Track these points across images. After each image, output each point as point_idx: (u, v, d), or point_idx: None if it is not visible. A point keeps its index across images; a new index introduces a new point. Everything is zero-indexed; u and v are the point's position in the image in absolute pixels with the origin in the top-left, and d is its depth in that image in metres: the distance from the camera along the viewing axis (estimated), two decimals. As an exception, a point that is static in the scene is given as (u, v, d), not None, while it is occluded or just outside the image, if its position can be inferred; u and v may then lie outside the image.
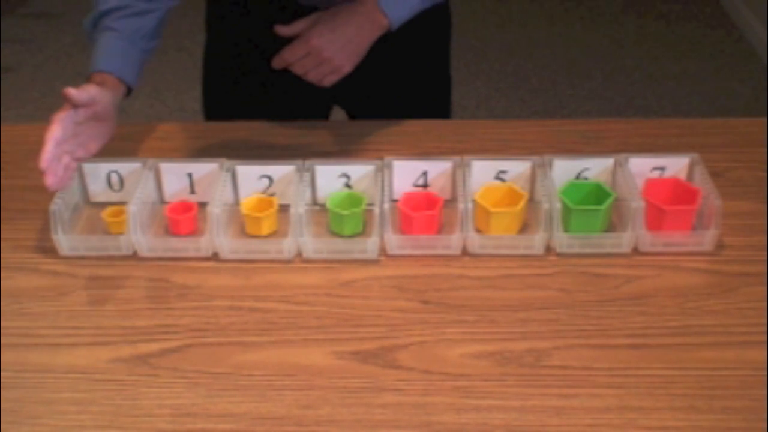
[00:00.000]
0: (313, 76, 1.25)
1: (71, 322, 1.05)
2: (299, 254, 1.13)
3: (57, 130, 1.09)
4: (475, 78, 3.28)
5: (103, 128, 1.16)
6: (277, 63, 1.26)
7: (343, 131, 1.39)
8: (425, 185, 1.21)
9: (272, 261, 1.12)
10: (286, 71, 1.27)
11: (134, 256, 1.14)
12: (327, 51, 1.22)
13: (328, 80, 1.26)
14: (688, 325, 1.02)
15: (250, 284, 1.09)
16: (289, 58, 1.24)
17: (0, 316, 1.05)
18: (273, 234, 1.16)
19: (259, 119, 1.41)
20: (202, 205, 1.17)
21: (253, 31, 1.39)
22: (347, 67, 1.25)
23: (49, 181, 1.09)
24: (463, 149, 1.29)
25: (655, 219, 1.12)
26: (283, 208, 1.16)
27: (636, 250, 1.12)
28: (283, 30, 1.27)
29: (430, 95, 1.52)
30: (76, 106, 1.11)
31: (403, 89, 1.47)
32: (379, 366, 0.97)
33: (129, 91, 1.22)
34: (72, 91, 1.10)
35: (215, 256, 1.13)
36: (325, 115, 1.55)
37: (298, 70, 1.25)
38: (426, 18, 1.32)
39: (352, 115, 1.54)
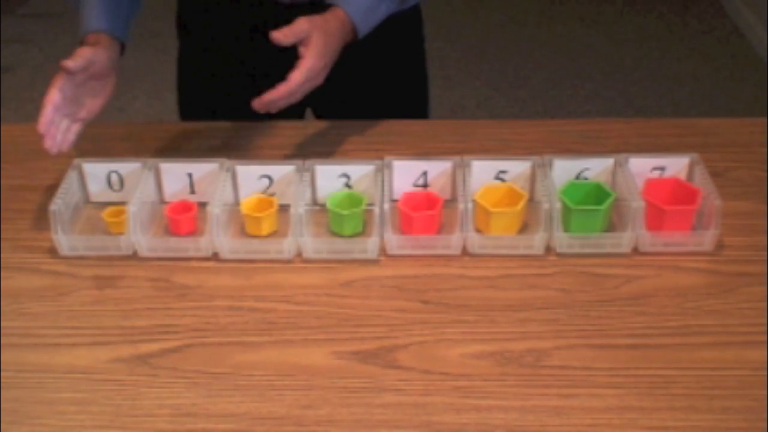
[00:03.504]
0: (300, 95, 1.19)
1: (71, 322, 1.05)
2: (299, 254, 1.13)
3: (55, 94, 1.12)
4: (475, 78, 3.28)
5: (103, 87, 1.19)
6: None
7: (343, 131, 1.39)
8: (425, 185, 1.21)
9: (272, 261, 1.12)
10: (261, 73, 1.25)
11: (134, 256, 1.14)
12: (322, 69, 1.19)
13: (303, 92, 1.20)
14: (688, 325, 1.02)
15: (250, 284, 1.09)
16: (296, 90, 1.18)
17: (0, 316, 1.05)
18: (273, 234, 1.16)
19: (233, 121, 1.40)
20: (202, 205, 1.17)
21: (227, 32, 1.38)
22: (321, 78, 1.21)
23: (48, 144, 1.13)
24: (463, 149, 1.29)
25: (655, 219, 1.12)
26: (283, 208, 1.16)
27: (636, 250, 1.12)
28: (279, 37, 1.17)
29: (405, 96, 1.51)
30: (74, 74, 1.13)
31: (376, 91, 1.45)
32: (379, 366, 0.97)
33: (122, 48, 1.24)
34: (68, 63, 1.12)
35: (215, 256, 1.13)
36: (298, 119, 1.53)
37: (299, 97, 1.20)
38: (396, 18, 1.31)
39: (322, 118, 1.50)
